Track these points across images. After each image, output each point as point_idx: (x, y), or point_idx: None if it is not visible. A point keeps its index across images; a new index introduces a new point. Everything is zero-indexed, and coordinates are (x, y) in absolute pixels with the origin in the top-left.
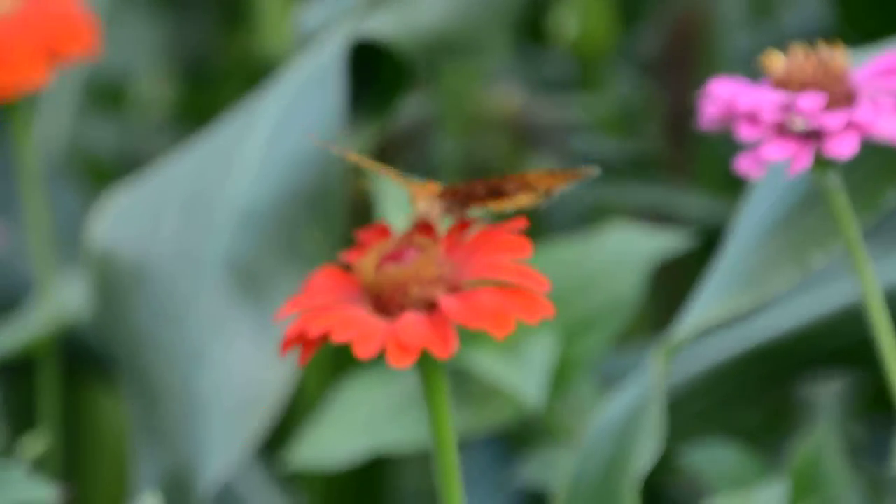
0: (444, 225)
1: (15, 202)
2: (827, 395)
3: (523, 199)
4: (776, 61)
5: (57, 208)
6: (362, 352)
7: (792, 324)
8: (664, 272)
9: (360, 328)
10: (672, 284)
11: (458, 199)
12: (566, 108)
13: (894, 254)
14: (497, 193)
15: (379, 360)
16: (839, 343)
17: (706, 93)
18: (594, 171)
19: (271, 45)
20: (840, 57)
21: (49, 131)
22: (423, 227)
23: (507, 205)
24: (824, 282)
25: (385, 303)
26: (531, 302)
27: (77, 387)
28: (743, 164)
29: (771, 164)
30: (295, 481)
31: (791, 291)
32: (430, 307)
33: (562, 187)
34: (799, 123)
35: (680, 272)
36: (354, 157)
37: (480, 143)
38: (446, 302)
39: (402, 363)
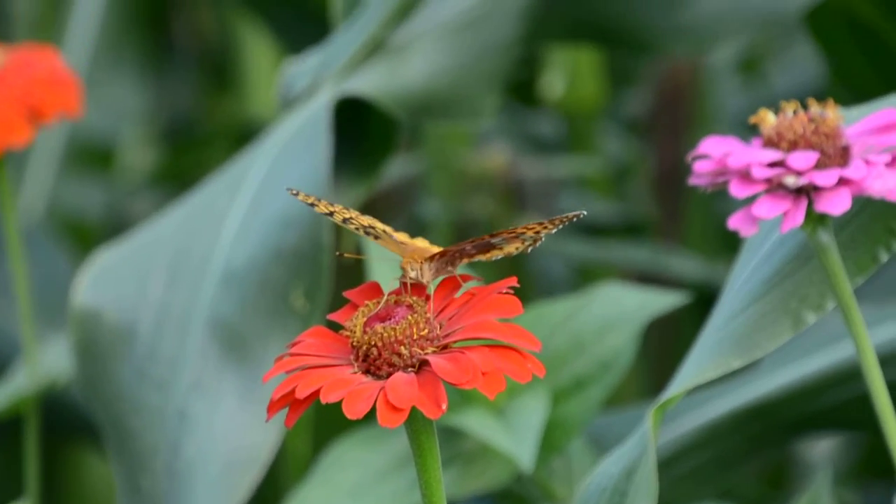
0: (433, 283)
1: None
2: (819, 457)
3: (512, 247)
4: (767, 119)
5: (39, 269)
6: (352, 412)
7: (784, 383)
8: (652, 334)
9: (349, 388)
10: (660, 347)
11: (447, 258)
12: (555, 168)
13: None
14: (486, 248)
15: (368, 420)
16: (830, 403)
17: (698, 151)
18: (581, 213)
19: (257, 107)
20: (832, 115)
21: (31, 192)
22: (413, 286)
23: (496, 254)
24: (817, 341)
25: (374, 362)
26: (522, 361)
27: (62, 448)
28: (735, 222)
29: (763, 222)
30: None
31: (784, 350)
32: (421, 367)
33: (549, 231)
34: (791, 181)
35: (667, 334)
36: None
37: (469, 202)
38: (436, 361)
39: (393, 423)
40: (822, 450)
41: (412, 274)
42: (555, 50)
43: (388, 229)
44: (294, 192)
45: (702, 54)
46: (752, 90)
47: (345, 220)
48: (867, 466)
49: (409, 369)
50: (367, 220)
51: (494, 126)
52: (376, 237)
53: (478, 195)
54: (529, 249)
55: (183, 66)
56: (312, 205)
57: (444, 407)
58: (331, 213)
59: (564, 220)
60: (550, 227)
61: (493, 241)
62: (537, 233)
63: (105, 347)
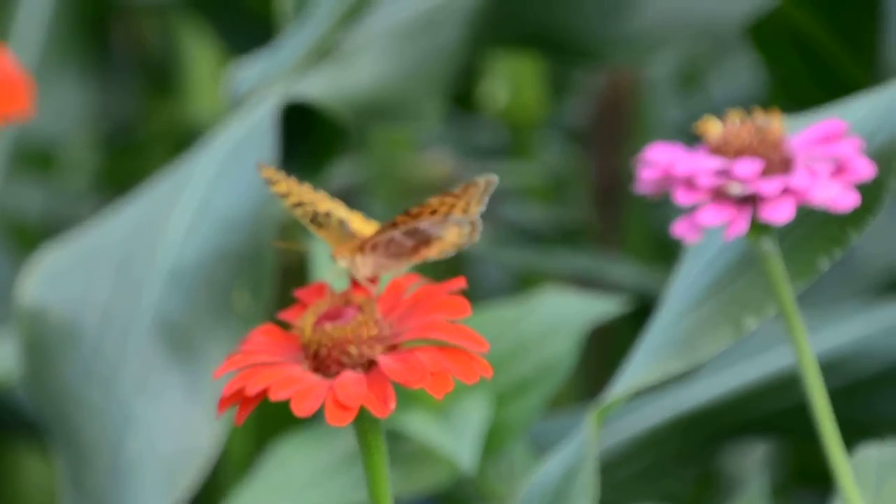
0: (380, 282)
1: None
2: (751, 466)
3: (452, 236)
4: (713, 127)
5: None
6: (301, 410)
7: (724, 389)
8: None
9: (298, 386)
10: (597, 353)
11: (382, 247)
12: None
13: (828, 320)
14: (424, 238)
15: (311, 421)
16: (769, 409)
17: (643, 158)
18: (493, 178)
19: (198, 111)
20: (777, 124)
21: None
22: (361, 285)
23: (442, 248)
24: (753, 348)
25: (323, 361)
26: (469, 362)
27: (4, 448)
28: (679, 229)
29: (707, 229)
30: None
31: (724, 355)
32: (369, 366)
33: (479, 205)
34: (736, 189)
35: (604, 341)
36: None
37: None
38: (385, 361)
39: (341, 422)
40: (752, 457)
41: (342, 264)
42: (497, 58)
43: (351, 216)
44: (262, 167)
45: (643, 64)
46: (690, 100)
47: (296, 205)
48: (799, 475)
49: (358, 368)
50: (328, 204)
51: (437, 133)
52: (320, 226)
53: (420, 201)
54: (472, 237)
55: (124, 70)
56: (272, 181)
57: (391, 406)
58: (286, 195)
59: (474, 187)
60: (474, 198)
61: (421, 226)
62: (466, 212)
63: (50, 346)
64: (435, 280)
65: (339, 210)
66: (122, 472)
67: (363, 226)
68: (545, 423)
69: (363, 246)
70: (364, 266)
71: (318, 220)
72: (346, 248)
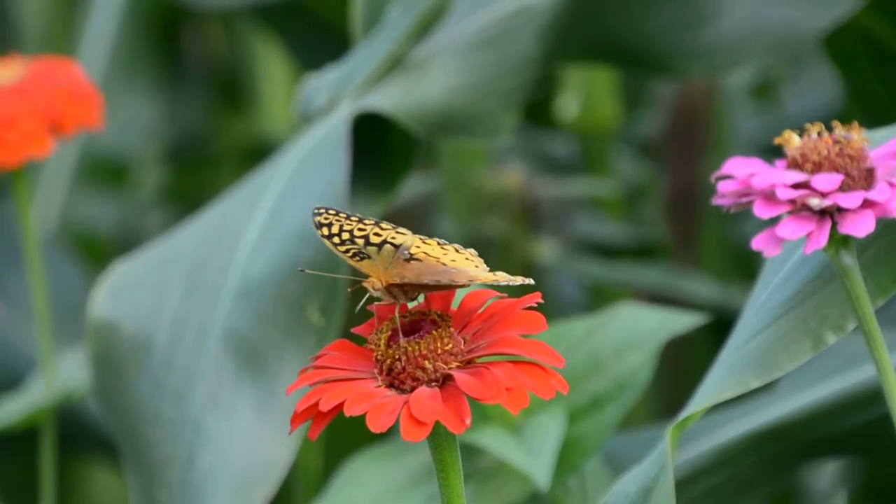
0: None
1: (1, 277)
2: (827, 482)
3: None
4: (792, 141)
5: (51, 282)
6: (376, 425)
7: (802, 405)
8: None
9: (373, 402)
10: (672, 370)
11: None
12: (569, 189)
13: None
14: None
15: (383, 437)
16: (849, 426)
17: (722, 171)
18: (528, 280)
19: (269, 125)
20: (856, 137)
21: (44, 206)
22: (437, 301)
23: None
24: (836, 363)
25: (398, 376)
26: (546, 377)
27: (72, 462)
28: (759, 243)
29: (786, 242)
30: None
31: (802, 371)
32: (444, 381)
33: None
34: (815, 203)
35: (679, 358)
36: None
37: (483, 220)
38: (460, 376)
39: (416, 437)
40: (828, 475)
41: (375, 294)
42: (571, 70)
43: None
44: (319, 209)
45: (719, 77)
46: (765, 114)
47: (343, 242)
48: (873, 492)
49: (433, 384)
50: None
51: (510, 146)
52: (362, 258)
53: (492, 214)
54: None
55: (194, 83)
56: (320, 224)
57: (467, 422)
58: (333, 235)
59: (515, 281)
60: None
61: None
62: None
63: (122, 359)
64: (509, 295)
65: (402, 237)
66: (193, 487)
67: (437, 251)
68: (619, 440)
69: (392, 286)
70: (397, 296)
71: (365, 252)
72: (380, 280)
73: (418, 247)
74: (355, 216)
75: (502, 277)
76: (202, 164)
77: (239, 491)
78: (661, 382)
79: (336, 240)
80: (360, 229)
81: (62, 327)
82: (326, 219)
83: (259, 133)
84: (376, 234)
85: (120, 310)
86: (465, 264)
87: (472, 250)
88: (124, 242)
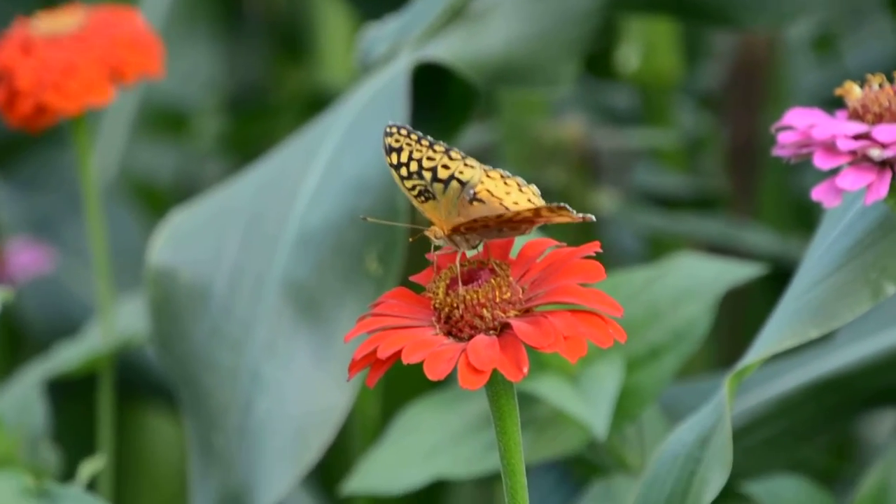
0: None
1: (59, 225)
2: (886, 433)
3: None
4: (853, 92)
5: (110, 230)
6: (434, 373)
7: (860, 356)
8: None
9: (431, 349)
10: (730, 321)
11: (476, 230)
12: (629, 140)
13: None
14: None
15: (440, 385)
16: None
17: (782, 122)
18: (591, 217)
19: (329, 75)
20: None
21: (103, 155)
22: (497, 249)
23: (526, 228)
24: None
25: (456, 324)
26: (604, 326)
27: (130, 409)
28: (819, 193)
29: (846, 193)
30: (344, 501)
31: (861, 322)
32: (502, 330)
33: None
34: (876, 153)
35: (737, 309)
36: None
37: (543, 171)
38: (518, 325)
39: (473, 385)
40: (887, 426)
41: (437, 243)
42: (632, 21)
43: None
44: (391, 128)
45: (780, 29)
46: (825, 66)
47: (409, 176)
48: None
49: (491, 332)
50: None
51: (569, 97)
52: (427, 199)
53: (552, 165)
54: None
55: (254, 33)
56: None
57: (525, 370)
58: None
59: (576, 219)
60: (562, 219)
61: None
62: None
63: (180, 306)
64: (568, 244)
65: (469, 171)
66: (250, 433)
67: (500, 190)
68: (676, 390)
69: (458, 228)
70: (459, 243)
71: (431, 192)
72: (443, 228)
73: (482, 182)
74: (426, 139)
75: (564, 212)
76: (261, 113)
77: (296, 438)
78: (720, 333)
79: (403, 171)
80: (429, 158)
81: (121, 276)
82: (398, 141)
83: (318, 83)
84: (444, 167)
85: (178, 258)
86: (527, 205)
87: (534, 187)
88: (183, 192)
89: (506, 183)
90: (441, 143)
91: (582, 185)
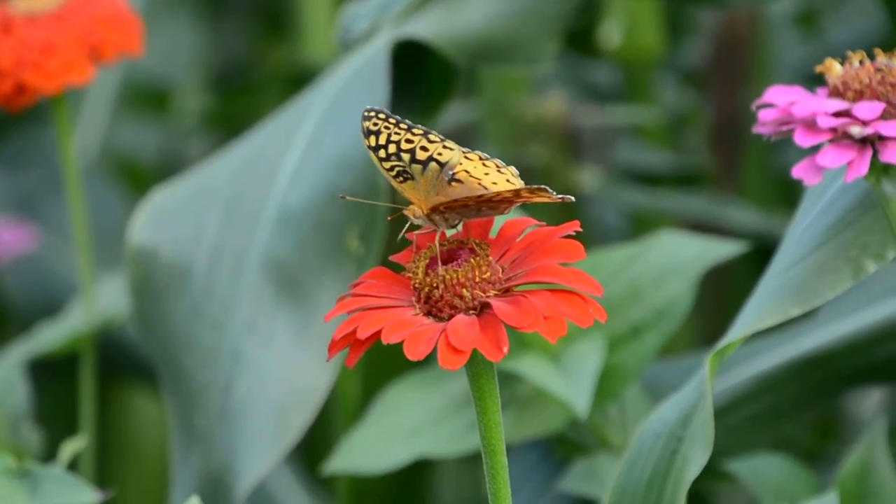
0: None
1: (43, 203)
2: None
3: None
4: (834, 69)
5: (92, 209)
6: (413, 353)
7: (842, 334)
8: (705, 286)
9: (411, 329)
10: (713, 298)
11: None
12: (611, 117)
13: None
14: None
15: (420, 365)
16: (888, 354)
17: (763, 100)
18: (570, 198)
19: (312, 52)
20: None
21: (85, 133)
22: (476, 229)
23: (505, 207)
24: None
25: (436, 304)
26: (584, 306)
27: (112, 388)
28: (799, 171)
29: (827, 171)
30: (326, 481)
31: (842, 300)
32: (482, 309)
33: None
34: (856, 131)
35: (720, 286)
36: None
37: (525, 148)
38: (498, 305)
39: (453, 365)
40: (871, 403)
41: (416, 222)
42: None
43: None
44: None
45: (762, 5)
46: (808, 43)
47: (387, 157)
48: None
49: (471, 312)
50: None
51: (551, 74)
52: (405, 179)
53: (534, 142)
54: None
55: (237, 10)
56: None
57: (505, 350)
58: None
59: (555, 199)
60: (540, 199)
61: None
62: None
63: (160, 285)
64: (549, 222)
65: (448, 153)
66: (231, 413)
67: (479, 171)
68: (659, 368)
69: (437, 207)
70: (438, 223)
71: (410, 173)
72: (422, 207)
73: (461, 163)
74: (405, 123)
75: (543, 193)
76: (244, 90)
77: (277, 417)
78: (702, 310)
79: (382, 153)
80: (407, 140)
81: (102, 254)
82: (375, 124)
83: (301, 60)
84: (423, 149)
85: (159, 236)
86: (506, 186)
87: (513, 168)
88: (166, 169)
89: (485, 164)
90: (419, 126)
91: (564, 162)
